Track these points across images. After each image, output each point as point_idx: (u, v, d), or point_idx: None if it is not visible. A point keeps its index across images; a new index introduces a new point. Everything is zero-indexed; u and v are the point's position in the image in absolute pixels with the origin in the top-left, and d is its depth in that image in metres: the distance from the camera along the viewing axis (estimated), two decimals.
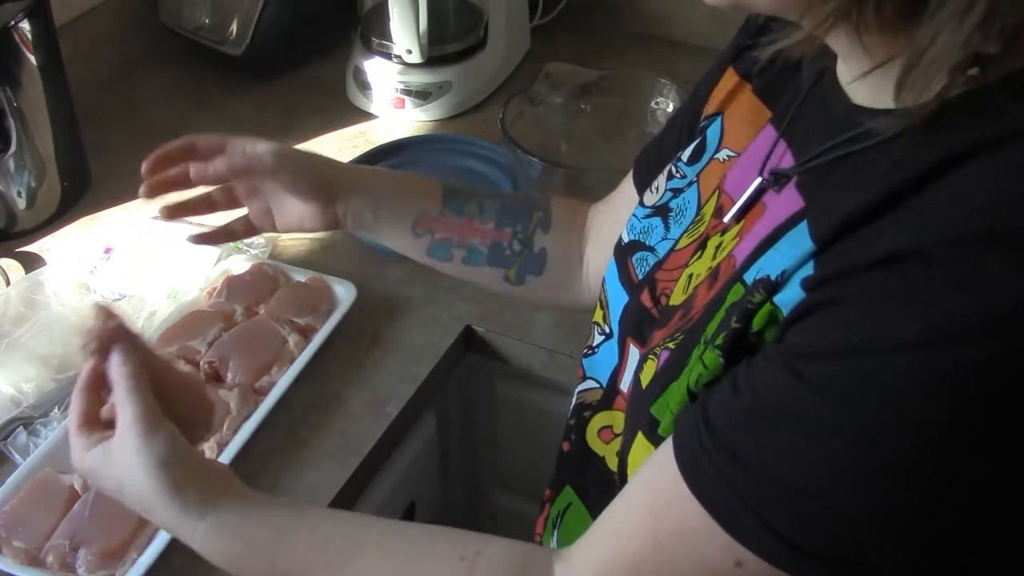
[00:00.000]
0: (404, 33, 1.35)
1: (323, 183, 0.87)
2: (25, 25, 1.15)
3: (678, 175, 0.76)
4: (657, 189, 0.77)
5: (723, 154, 0.73)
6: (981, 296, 0.46)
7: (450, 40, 1.43)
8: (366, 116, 1.44)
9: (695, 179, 0.74)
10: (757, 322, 0.55)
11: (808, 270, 0.53)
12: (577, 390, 0.81)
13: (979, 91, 0.50)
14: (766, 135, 0.68)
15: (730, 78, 0.75)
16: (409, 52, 1.38)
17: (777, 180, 0.62)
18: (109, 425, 0.72)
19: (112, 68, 1.50)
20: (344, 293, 1.09)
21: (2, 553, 0.86)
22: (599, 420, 0.76)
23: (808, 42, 0.56)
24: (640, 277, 0.75)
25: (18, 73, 1.17)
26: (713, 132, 0.75)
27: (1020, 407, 0.46)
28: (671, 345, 0.64)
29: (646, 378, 0.66)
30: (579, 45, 1.55)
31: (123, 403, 0.70)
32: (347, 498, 0.96)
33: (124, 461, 0.69)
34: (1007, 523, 0.49)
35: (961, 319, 0.46)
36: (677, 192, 0.75)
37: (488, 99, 1.46)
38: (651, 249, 0.75)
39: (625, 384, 0.73)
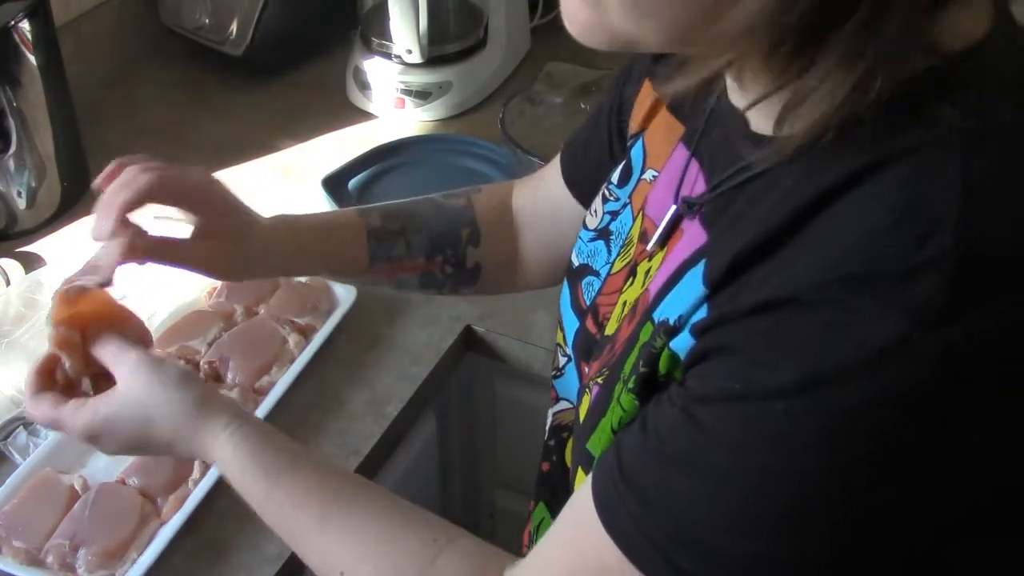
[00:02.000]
0: (404, 33, 1.35)
1: (243, 225, 0.81)
2: (25, 25, 1.15)
3: (612, 198, 0.75)
4: (596, 212, 0.77)
5: (648, 174, 0.72)
6: (853, 338, 0.46)
7: (450, 40, 1.43)
8: (366, 116, 1.44)
9: (628, 201, 0.73)
10: (662, 366, 0.56)
11: (701, 314, 0.54)
12: (551, 411, 0.81)
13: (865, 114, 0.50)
14: (679, 154, 0.67)
15: (647, 93, 0.74)
16: (409, 52, 1.38)
17: (691, 208, 0.61)
18: (67, 390, 0.73)
19: (112, 68, 1.50)
20: (344, 293, 1.09)
21: (2, 553, 0.86)
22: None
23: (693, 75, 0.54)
24: (587, 303, 0.75)
25: (18, 73, 1.17)
26: (637, 152, 0.74)
27: (900, 446, 0.46)
28: (599, 380, 0.64)
29: (583, 412, 0.66)
30: (579, 45, 1.54)
31: (119, 354, 0.71)
32: None
33: (140, 399, 0.70)
34: (897, 566, 0.49)
35: (835, 362, 0.46)
36: (614, 215, 0.75)
37: (488, 99, 1.46)
38: (596, 273, 0.75)
39: None
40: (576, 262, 0.78)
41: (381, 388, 1.04)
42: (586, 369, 0.72)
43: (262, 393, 0.99)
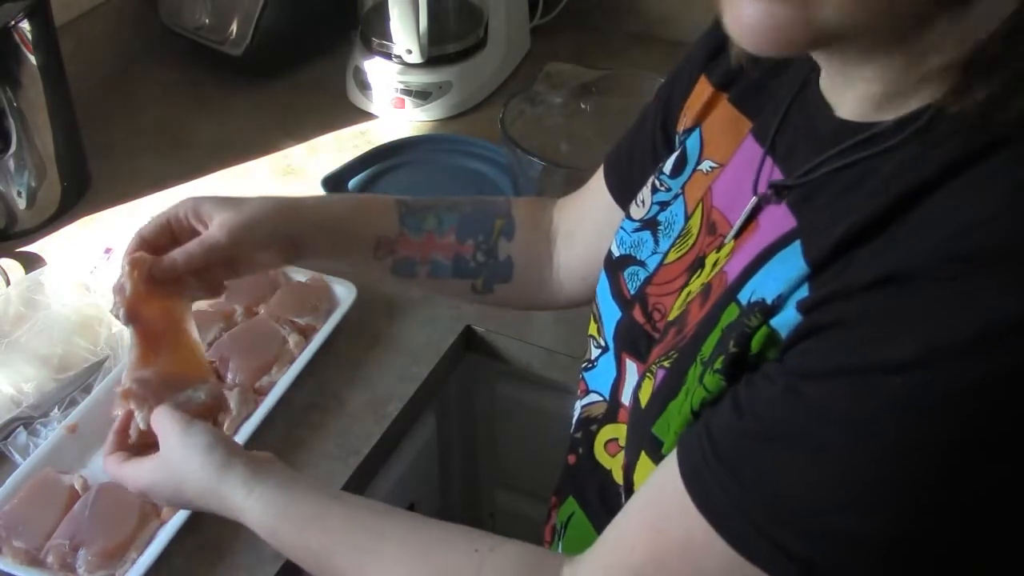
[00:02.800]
0: (404, 33, 1.35)
1: (281, 238, 0.83)
2: (25, 25, 1.15)
3: (663, 188, 0.75)
4: (643, 203, 0.77)
5: (705, 165, 0.72)
6: (977, 313, 0.46)
7: (450, 40, 1.43)
8: (366, 116, 1.44)
9: (680, 191, 0.74)
10: (755, 344, 0.55)
11: (803, 292, 0.53)
12: (580, 404, 0.80)
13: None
14: (749, 147, 0.67)
15: (703, 88, 0.74)
16: (409, 52, 1.38)
17: (778, 193, 0.61)
18: (141, 450, 0.79)
19: (112, 68, 1.50)
20: (344, 293, 1.09)
21: (2, 553, 0.86)
22: (605, 433, 0.76)
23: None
24: (632, 292, 0.75)
25: (18, 73, 1.17)
26: (693, 143, 0.74)
27: (1018, 424, 0.46)
28: (666, 364, 0.64)
29: (644, 396, 0.65)
30: (579, 45, 1.55)
31: (158, 420, 0.77)
32: None
33: (174, 462, 0.74)
34: (1014, 542, 0.49)
35: (958, 337, 0.46)
36: (664, 205, 0.75)
37: (488, 99, 1.46)
38: (642, 264, 0.75)
39: (626, 398, 0.73)
40: (617, 252, 0.77)
41: (381, 388, 1.04)
42: (628, 359, 0.73)
43: (262, 393, 0.99)
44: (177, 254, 0.79)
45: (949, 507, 0.47)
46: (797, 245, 0.56)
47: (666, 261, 0.72)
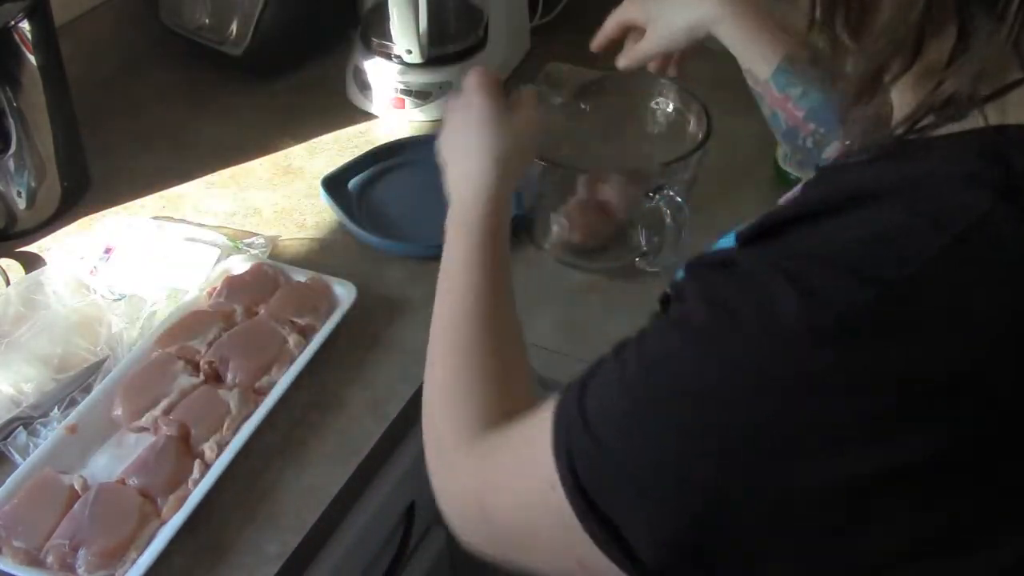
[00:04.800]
0: (404, 33, 1.35)
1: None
2: (25, 25, 1.15)
3: None
4: None
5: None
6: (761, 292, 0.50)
7: (450, 40, 1.43)
8: (366, 116, 1.44)
9: None
10: None
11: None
12: None
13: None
14: None
15: None
16: (409, 52, 1.38)
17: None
18: None
19: (112, 68, 1.50)
20: (344, 293, 1.09)
21: (2, 553, 0.86)
22: None
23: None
24: None
25: (18, 73, 1.17)
26: None
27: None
28: None
29: None
30: (579, 45, 1.54)
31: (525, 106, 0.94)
32: (347, 498, 0.96)
33: (508, 130, 0.91)
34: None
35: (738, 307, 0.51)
36: None
37: None
38: None
39: None
40: None
41: (381, 388, 1.04)
42: None
43: (262, 393, 0.99)
44: (638, 51, 1.12)
45: (716, 451, 0.51)
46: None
47: None
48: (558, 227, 1.18)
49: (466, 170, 0.88)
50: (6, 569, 0.85)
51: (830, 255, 0.50)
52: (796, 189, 0.67)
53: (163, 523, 0.88)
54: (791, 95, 0.98)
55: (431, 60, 1.40)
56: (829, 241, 0.51)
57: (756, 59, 1.00)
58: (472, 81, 0.94)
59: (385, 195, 1.28)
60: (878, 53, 0.53)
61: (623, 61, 1.10)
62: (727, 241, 0.59)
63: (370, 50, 1.43)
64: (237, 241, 1.19)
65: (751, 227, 0.55)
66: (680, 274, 0.58)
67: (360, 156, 1.31)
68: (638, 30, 1.09)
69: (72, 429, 0.95)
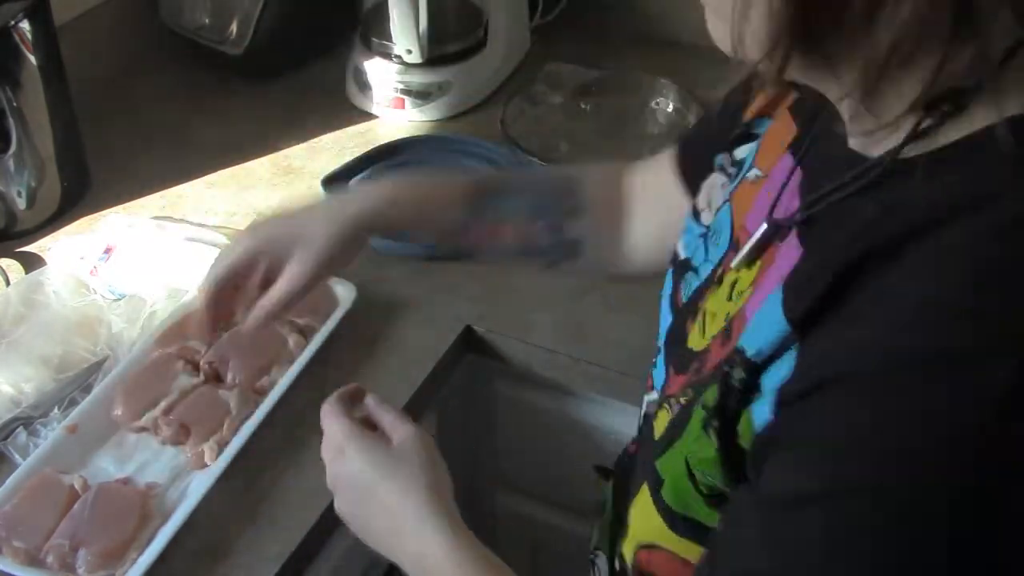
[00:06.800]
0: (404, 33, 1.35)
1: (357, 251, 0.86)
2: (25, 25, 1.15)
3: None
4: (712, 207, 0.74)
5: (752, 173, 0.69)
6: (919, 427, 0.44)
7: (450, 40, 1.43)
8: (366, 116, 1.44)
9: (728, 198, 0.71)
10: (742, 431, 0.53)
11: (786, 367, 0.51)
12: (646, 399, 0.78)
13: (968, 143, 0.48)
14: (785, 162, 0.65)
15: None
16: (409, 52, 1.38)
17: (778, 231, 0.59)
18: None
19: (112, 68, 1.50)
20: (344, 293, 1.09)
21: (2, 553, 0.86)
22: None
23: (771, 79, 0.53)
24: (684, 301, 0.72)
25: (18, 73, 1.17)
26: (752, 148, 0.71)
27: (966, 542, 0.44)
28: (683, 400, 0.61)
29: (659, 427, 0.63)
30: (579, 45, 1.55)
31: (398, 422, 0.76)
32: None
33: (403, 460, 0.73)
34: None
35: (902, 454, 0.44)
36: (717, 211, 0.72)
37: (488, 99, 1.46)
38: (695, 271, 0.72)
39: None
40: (682, 255, 0.75)
41: (381, 388, 1.03)
42: (671, 371, 0.70)
43: (262, 393, 0.99)
44: (267, 305, 0.81)
45: None
46: (779, 292, 0.53)
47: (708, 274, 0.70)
48: None
49: (398, 526, 0.74)
50: (6, 569, 0.85)
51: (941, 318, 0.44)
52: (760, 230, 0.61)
53: (163, 523, 0.88)
54: (496, 220, 0.87)
55: (431, 60, 1.40)
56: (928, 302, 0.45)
57: (440, 214, 0.88)
58: (330, 427, 0.78)
59: None
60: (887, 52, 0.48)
61: (250, 325, 0.83)
62: (770, 321, 0.52)
63: (370, 50, 1.43)
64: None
65: (797, 301, 0.50)
66: (760, 415, 0.52)
67: (360, 156, 1.31)
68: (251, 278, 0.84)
69: (72, 429, 0.95)
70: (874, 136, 0.52)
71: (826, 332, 0.49)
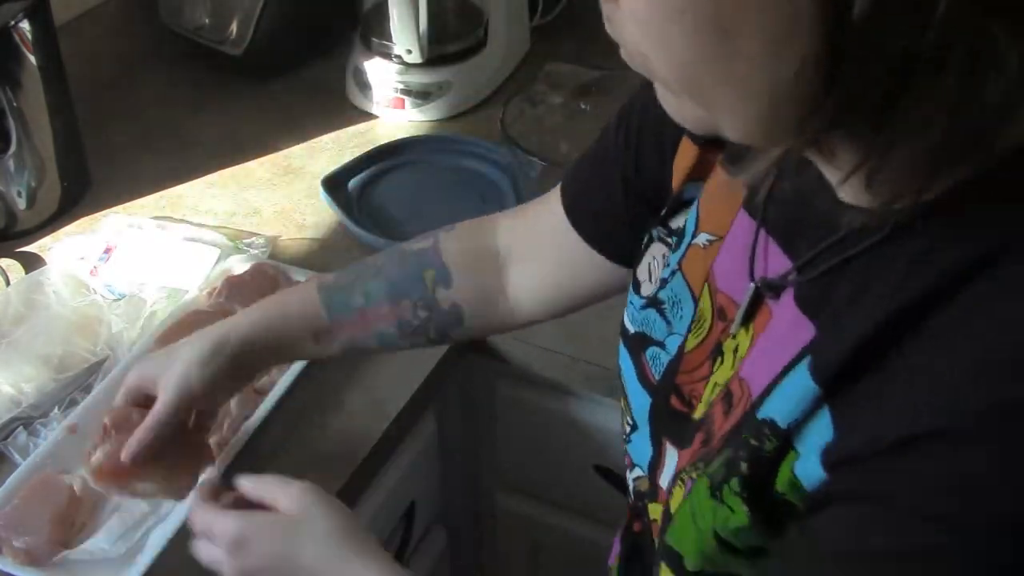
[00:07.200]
0: (404, 33, 1.35)
1: (223, 381, 0.83)
2: (25, 25, 1.15)
3: (665, 264, 0.70)
4: (652, 278, 0.72)
5: (702, 239, 0.66)
6: (1016, 485, 0.42)
7: (450, 40, 1.43)
8: (366, 116, 1.44)
9: (677, 268, 0.68)
10: (780, 484, 0.52)
11: (826, 433, 0.49)
12: (631, 477, 0.76)
13: (991, 179, 0.46)
14: (742, 222, 0.62)
15: (686, 150, 0.68)
16: (409, 52, 1.38)
17: (773, 289, 0.57)
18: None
19: (112, 68, 1.50)
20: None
21: (2, 553, 0.86)
22: (653, 511, 0.71)
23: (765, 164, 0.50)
24: (658, 378, 0.69)
25: (18, 73, 1.17)
26: (691, 215, 0.68)
27: None
28: (694, 475, 0.59)
29: (675, 504, 0.61)
30: (579, 45, 1.55)
31: (278, 488, 0.73)
32: (347, 498, 0.96)
33: (299, 518, 0.71)
34: None
35: (1004, 508, 0.42)
36: (663, 283, 0.69)
37: (488, 99, 1.46)
38: (660, 344, 0.69)
39: (663, 481, 0.68)
40: (632, 329, 0.73)
41: (381, 388, 1.04)
42: (669, 445, 0.67)
43: (262, 393, 0.99)
44: (134, 444, 0.81)
45: None
46: (807, 361, 0.51)
47: (687, 348, 0.67)
48: None
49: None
50: (6, 569, 0.85)
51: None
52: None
53: (158, 521, 0.89)
54: (360, 307, 0.84)
55: (431, 60, 1.40)
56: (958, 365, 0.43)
57: (303, 323, 0.85)
58: (216, 525, 0.74)
59: (385, 195, 1.28)
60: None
61: (125, 455, 0.81)
62: (797, 388, 0.51)
63: (370, 50, 1.43)
64: (237, 241, 1.19)
65: (827, 368, 0.49)
66: (805, 472, 0.50)
67: (360, 156, 1.31)
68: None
69: (72, 429, 0.95)
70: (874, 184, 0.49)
71: (870, 390, 0.47)
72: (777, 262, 0.58)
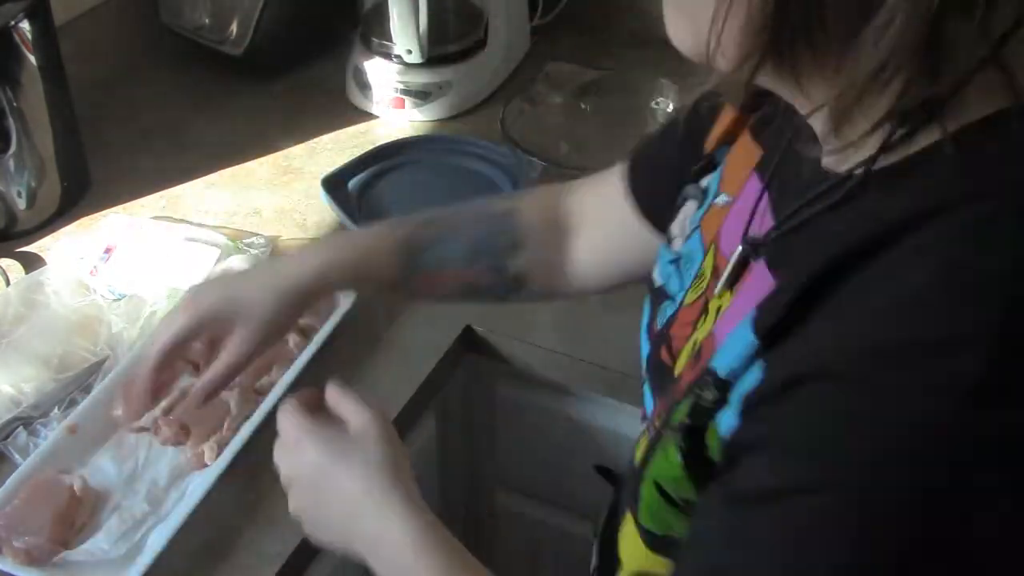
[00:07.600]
0: (404, 33, 1.35)
1: (296, 319, 0.84)
2: (25, 25, 1.15)
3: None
4: (683, 233, 0.74)
5: (721, 199, 0.69)
6: (882, 423, 0.44)
7: (450, 40, 1.43)
8: (366, 116, 1.44)
9: (698, 225, 0.71)
10: (711, 443, 0.54)
11: (752, 378, 0.51)
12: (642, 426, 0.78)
13: (931, 154, 0.48)
14: (752, 184, 0.64)
15: (728, 111, 0.71)
16: (409, 52, 1.38)
17: (754, 248, 0.59)
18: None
19: (112, 68, 1.50)
20: (344, 293, 1.09)
21: (2, 553, 0.86)
22: None
23: (737, 88, 0.53)
24: (659, 328, 0.72)
25: (18, 73, 1.17)
26: (715, 175, 0.71)
27: (930, 542, 0.44)
28: (656, 424, 0.61)
29: (639, 453, 0.63)
30: (579, 45, 1.55)
31: (357, 409, 0.73)
32: None
33: (362, 453, 0.71)
34: None
35: (864, 452, 0.44)
36: (687, 239, 0.72)
37: (488, 99, 1.46)
38: (672, 299, 0.72)
39: None
40: (658, 281, 0.74)
41: (381, 388, 1.04)
42: (656, 400, 0.70)
43: (262, 393, 0.99)
44: (211, 379, 0.80)
45: None
46: (752, 314, 0.53)
47: (685, 302, 0.69)
48: None
49: (356, 509, 0.71)
50: (6, 569, 0.85)
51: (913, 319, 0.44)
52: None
53: (159, 521, 0.89)
54: (434, 267, 0.85)
55: (431, 60, 1.40)
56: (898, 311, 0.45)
57: (377, 272, 0.85)
58: (282, 425, 0.74)
59: (385, 195, 1.28)
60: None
61: (196, 398, 0.82)
62: (740, 339, 0.53)
63: (370, 50, 1.43)
64: (237, 241, 1.19)
65: (766, 316, 0.51)
66: (726, 423, 0.53)
67: (360, 156, 1.31)
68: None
69: (72, 429, 0.95)
70: (844, 152, 0.52)
71: (794, 340, 0.49)
72: (767, 223, 0.60)
